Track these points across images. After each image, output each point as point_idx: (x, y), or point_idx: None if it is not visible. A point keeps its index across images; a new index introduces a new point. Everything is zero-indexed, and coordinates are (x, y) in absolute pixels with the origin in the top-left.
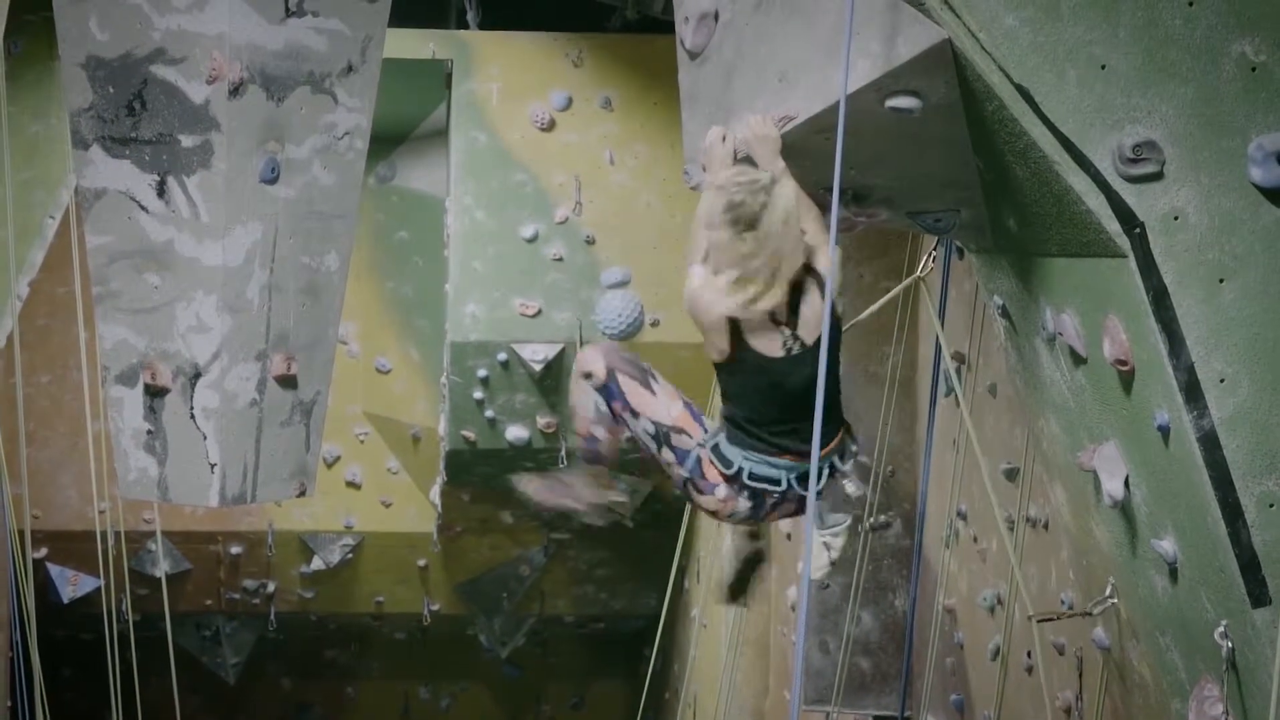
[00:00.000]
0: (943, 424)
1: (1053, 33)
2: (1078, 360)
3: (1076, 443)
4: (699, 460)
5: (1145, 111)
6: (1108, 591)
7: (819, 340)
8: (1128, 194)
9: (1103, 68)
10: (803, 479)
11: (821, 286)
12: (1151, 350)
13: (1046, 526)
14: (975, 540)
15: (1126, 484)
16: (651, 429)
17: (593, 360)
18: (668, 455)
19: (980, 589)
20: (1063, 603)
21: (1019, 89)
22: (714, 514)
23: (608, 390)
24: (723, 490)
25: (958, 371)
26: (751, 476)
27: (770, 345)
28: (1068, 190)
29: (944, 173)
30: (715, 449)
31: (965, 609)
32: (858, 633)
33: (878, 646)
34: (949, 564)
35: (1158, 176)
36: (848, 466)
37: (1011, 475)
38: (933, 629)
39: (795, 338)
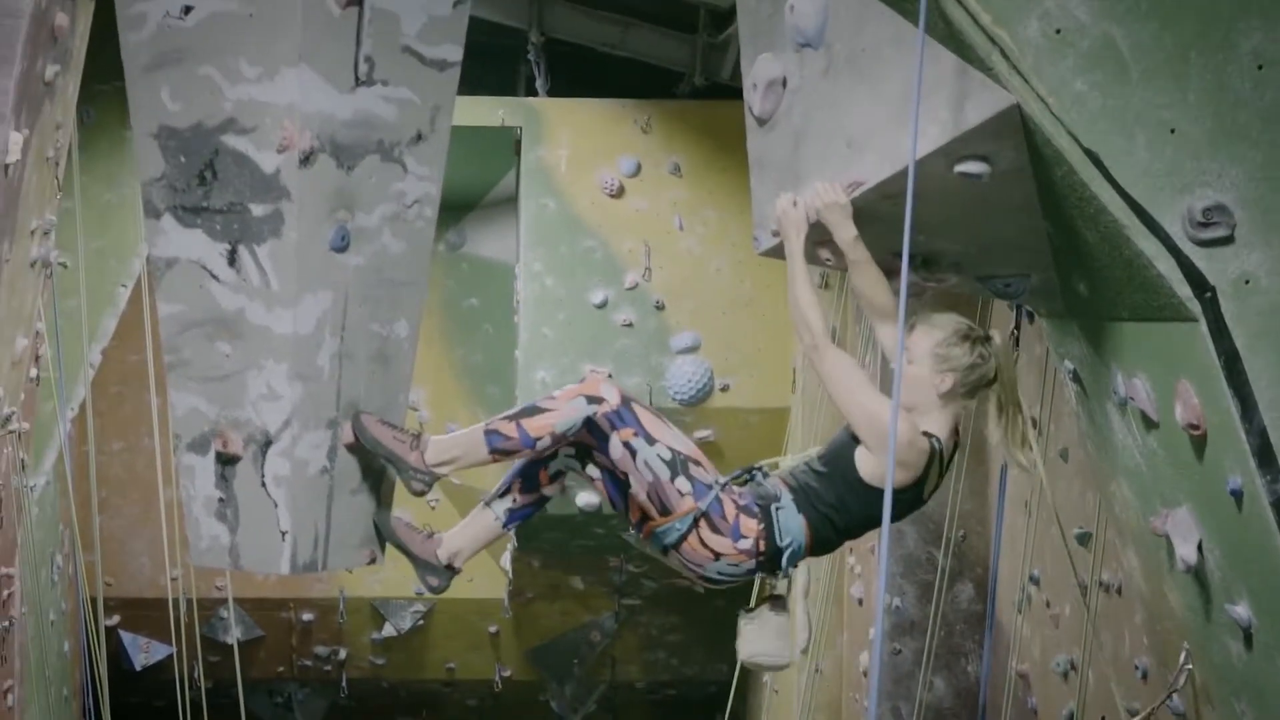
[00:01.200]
0: (1014, 488)
1: (1121, 97)
2: (1150, 425)
3: (1149, 507)
4: (719, 500)
5: (1215, 175)
6: (1182, 658)
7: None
8: (1198, 258)
9: (1172, 131)
10: None
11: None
12: (1224, 414)
13: (1120, 591)
14: (1048, 605)
15: (1200, 549)
16: (668, 455)
17: (607, 390)
18: (683, 484)
19: (1054, 654)
20: (1136, 669)
21: (1088, 153)
22: (711, 556)
23: (619, 416)
24: (747, 544)
25: None
26: (791, 558)
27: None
28: (1138, 255)
29: (1014, 237)
30: (776, 510)
31: (1039, 674)
32: (930, 698)
33: (951, 713)
34: (1022, 629)
35: (1228, 240)
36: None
37: (1084, 540)
38: (1006, 695)
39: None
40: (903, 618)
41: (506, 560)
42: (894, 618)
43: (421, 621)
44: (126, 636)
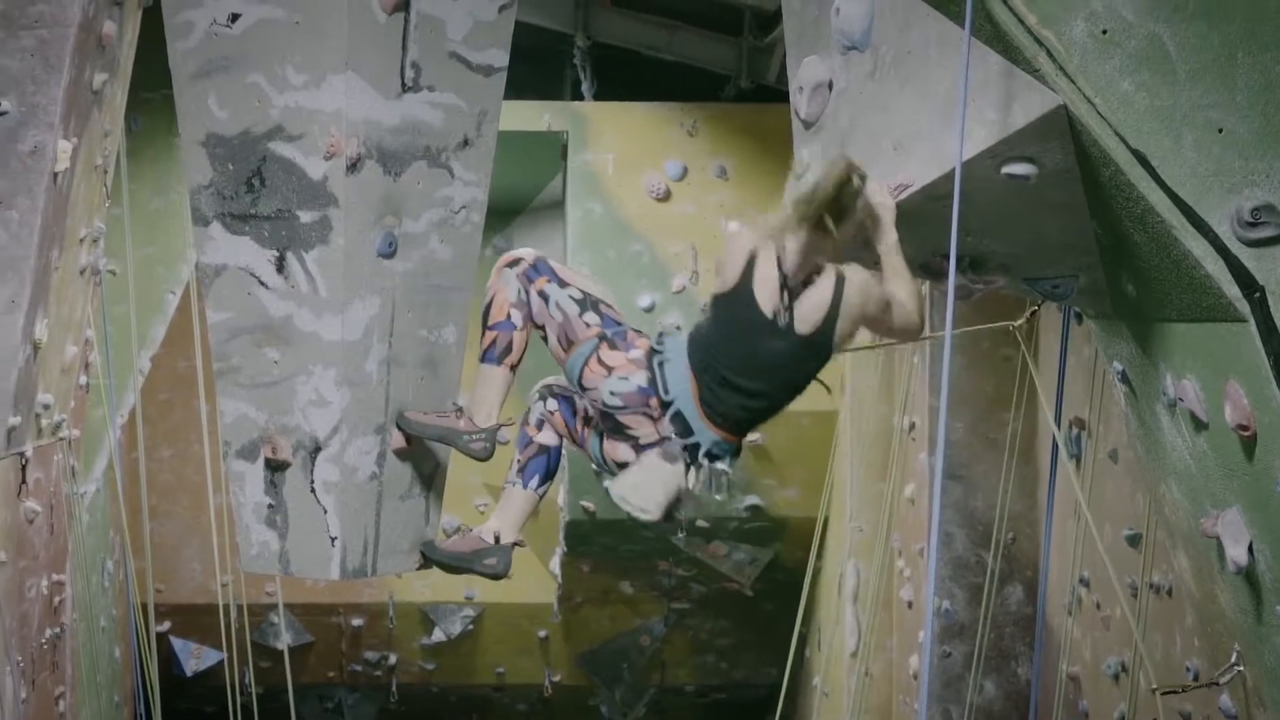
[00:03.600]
0: (1064, 490)
1: (1169, 97)
2: (1199, 426)
3: (1199, 509)
4: (627, 334)
5: (1264, 175)
6: (1233, 659)
7: (805, 336)
8: (1247, 258)
9: (1220, 131)
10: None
11: (838, 297)
12: (1274, 415)
13: (1170, 593)
14: (1098, 607)
15: (1250, 550)
16: (579, 295)
17: (522, 252)
18: (590, 318)
19: (1104, 657)
20: (1187, 671)
21: (1135, 154)
22: (604, 373)
23: (535, 269)
24: (637, 354)
25: (1078, 438)
26: (675, 417)
27: (766, 298)
28: (1186, 255)
29: (1061, 238)
30: (660, 362)
31: (1089, 677)
32: (981, 701)
33: (1001, 715)
34: (1072, 631)
35: (1277, 240)
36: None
37: (1134, 541)
38: (1056, 697)
39: (789, 310)
40: (952, 620)
41: (556, 565)
42: (943, 620)
43: (471, 626)
44: (177, 642)
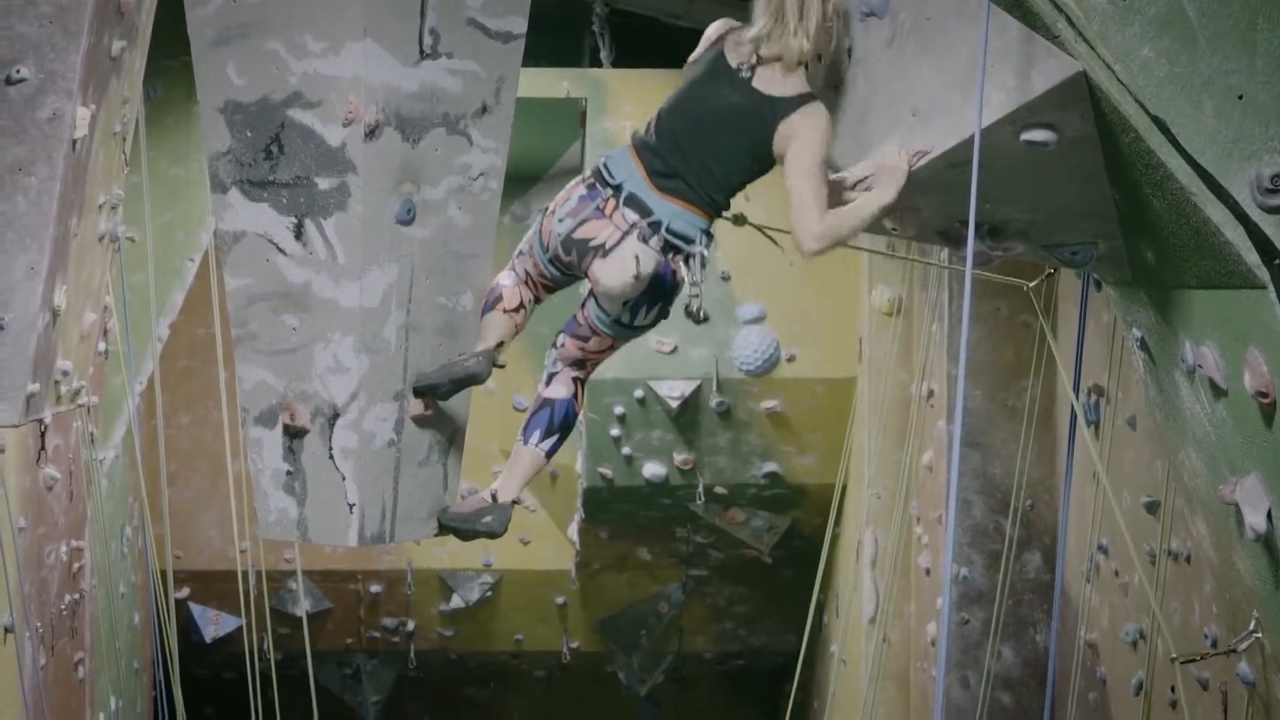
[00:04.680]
0: (1083, 457)
1: (1189, 63)
2: (1218, 393)
3: (1218, 476)
4: None
5: None
6: (1251, 626)
7: (759, 97)
8: (1267, 225)
9: (1240, 98)
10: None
11: (799, 100)
12: None
13: (1189, 560)
14: (1117, 574)
15: (1269, 517)
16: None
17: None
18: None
19: (1122, 624)
20: (1206, 638)
21: (1155, 120)
22: (549, 218)
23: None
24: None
25: (1097, 404)
26: (629, 200)
27: (736, 52)
28: (1206, 222)
29: (1080, 205)
30: (605, 164)
31: (1107, 644)
32: (999, 668)
33: (1019, 682)
34: (1090, 598)
35: None
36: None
37: (1152, 509)
38: (1075, 664)
39: (752, 69)
40: (970, 587)
41: (573, 532)
42: (961, 587)
43: (489, 593)
44: (196, 609)
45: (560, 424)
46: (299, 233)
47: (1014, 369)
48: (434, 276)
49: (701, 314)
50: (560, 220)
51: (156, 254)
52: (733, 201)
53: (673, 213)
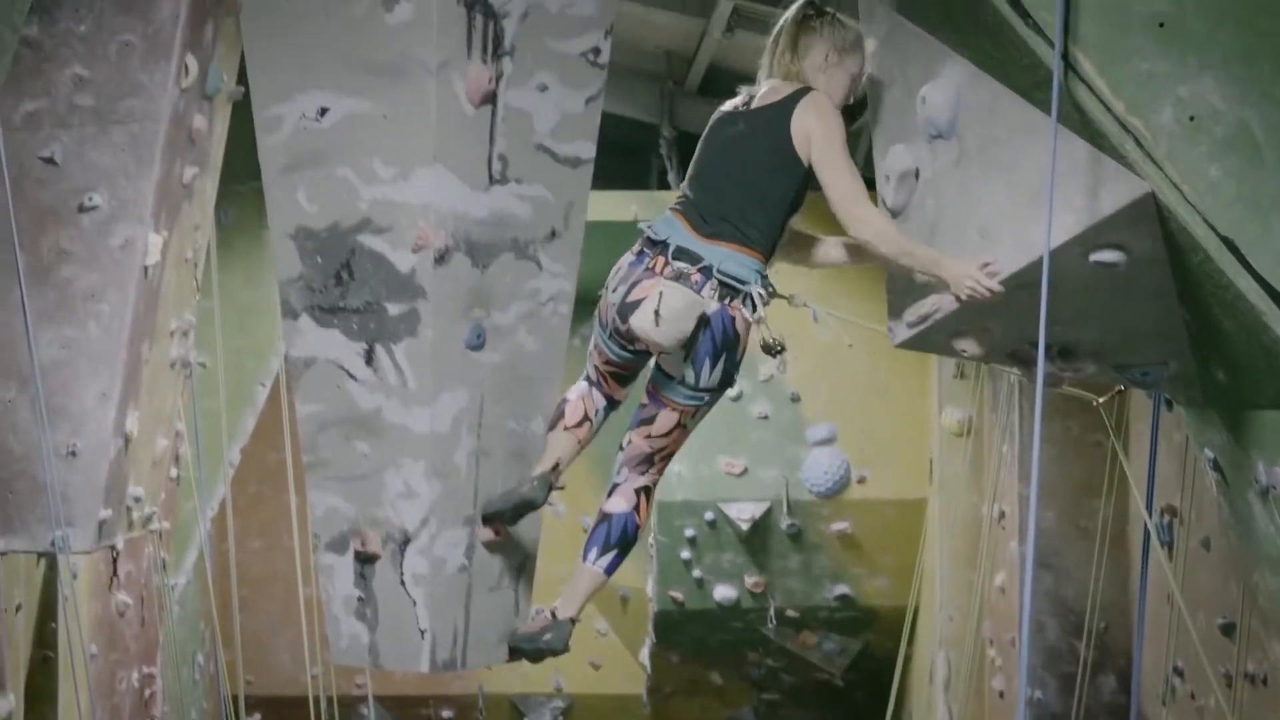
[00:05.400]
0: (1156, 578)
1: (1257, 183)
2: None
3: None
4: None
5: None
6: None
7: (762, 112)
8: None
9: None
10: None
11: (798, 95)
12: None
13: (1265, 682)
14: (1193, 697)
15: None
16: None
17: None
18: None
19: None
20: None
21: (1224, 240)
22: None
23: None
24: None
25: (1170, 525)
26: (677, 252)
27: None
28: (1276, 342)
29: (1150, 325)
30: (648, 230)
31: None
32: None
33: None
34: None
35: None
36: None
37: (1228, 630)
38: None
39: (748, 101)
40: (1044, 710)
41: (645, 656)
42: (1036, 711)
43: (560, 718)
44: None
45: (618, 540)
46: (369, 358)
47: (1085, 489)
48: (504, 401)
49: (778, 346)
50: (614, 290)
51: (228, 379)
52: (779, 287)
53: (722, 255)
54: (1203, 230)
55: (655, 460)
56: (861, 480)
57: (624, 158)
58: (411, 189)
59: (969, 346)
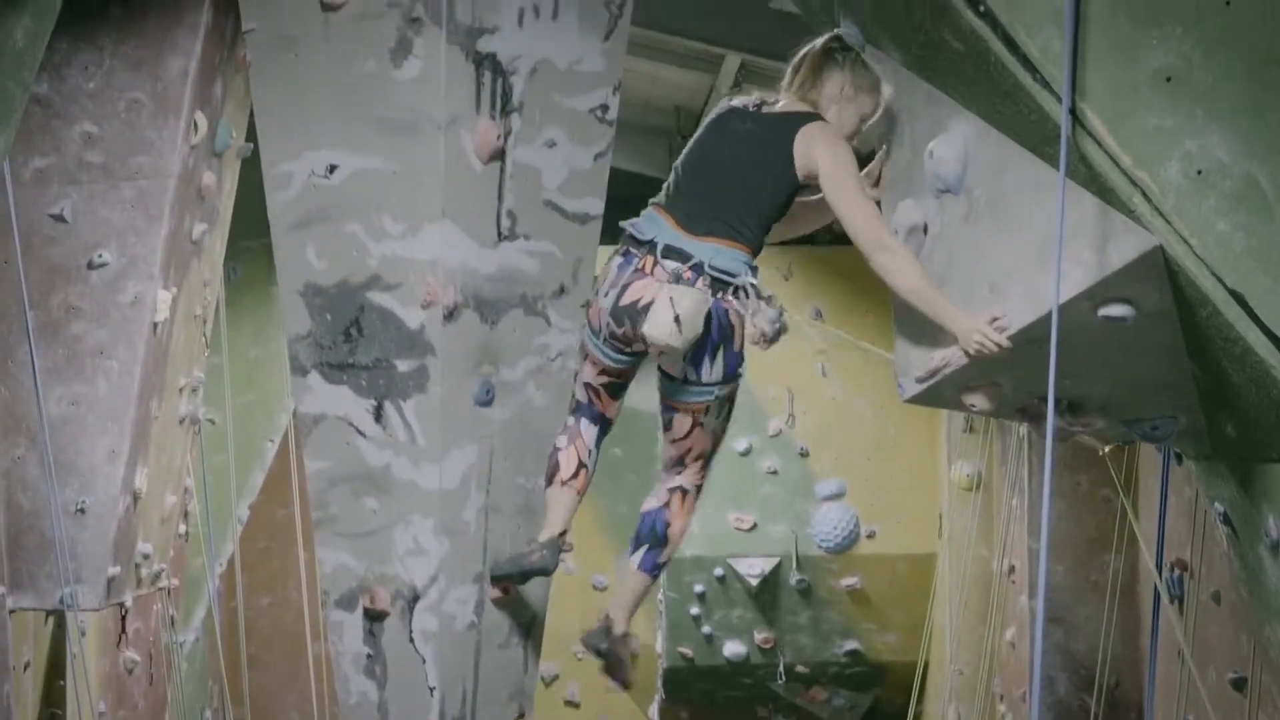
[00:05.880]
0: (1167, 633)
1: (1265, 236)
2: None
3: None
4: None
5: None
6: None
7: (771, 118)
8: None
9: None
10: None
11: (808, 115)
12: None
13: None
14: None
15: None
16: None
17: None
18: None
19: None
20: None
21: (1233, 294)
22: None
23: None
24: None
25: (1180, 579)
26: (666, 251)
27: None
28: None
29: (1159, 379)
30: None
31: None
32: None
33: None
34: None
35: None
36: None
37: (1239, 685)
38: None
39: (761, 103)
40: None
41: (654, 712)
42: None
43: None
44: None
45: (648, 535)
46: (379, 415)
47: (1095, 544)
48: (513, 457)
49: (771, 334)
50: (605, 295)
51: (236, 435)
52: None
53: (712, 250)
54: (1211, 284)
55: (685, 461)
56: (871, 535)
57: (632, 212)
58: (420, 245)
59: (979, 401)
